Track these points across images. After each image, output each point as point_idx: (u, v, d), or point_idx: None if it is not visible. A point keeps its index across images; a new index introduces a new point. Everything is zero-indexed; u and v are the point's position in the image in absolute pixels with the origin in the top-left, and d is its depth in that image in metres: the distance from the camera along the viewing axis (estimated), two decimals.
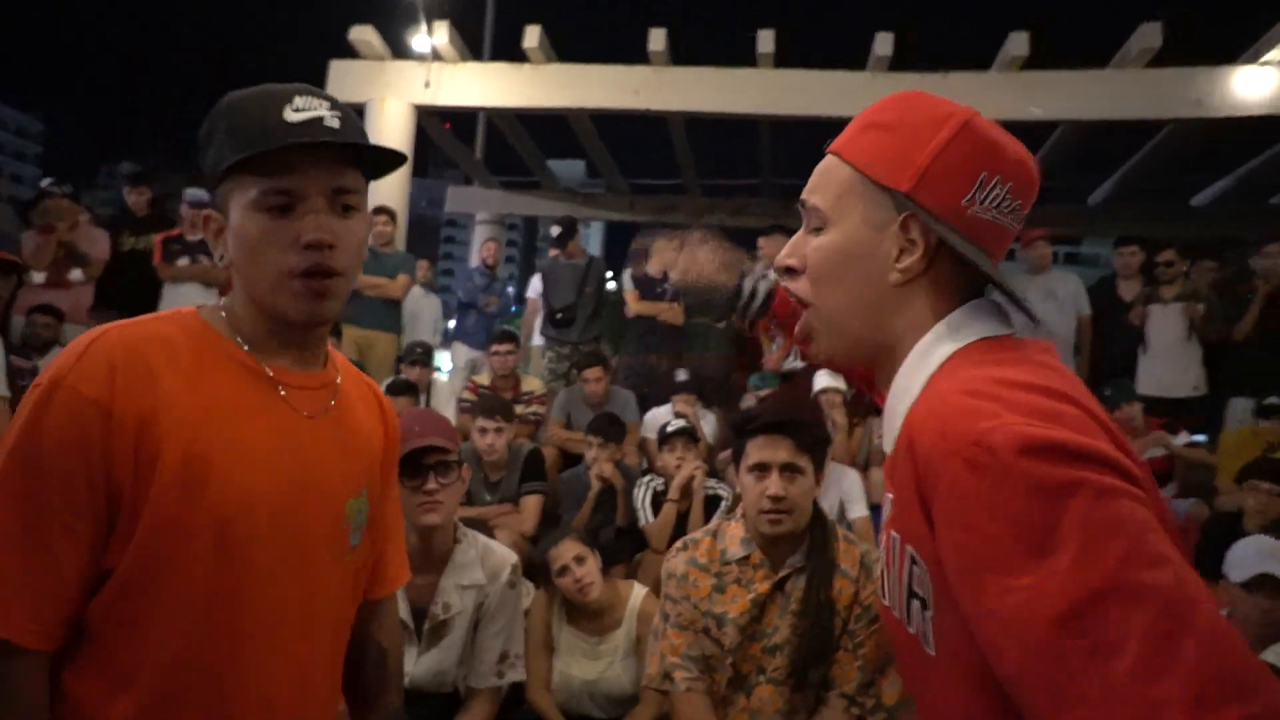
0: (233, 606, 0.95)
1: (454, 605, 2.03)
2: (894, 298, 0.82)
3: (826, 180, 0.85)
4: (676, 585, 2.09)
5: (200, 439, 0.93)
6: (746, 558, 2.03)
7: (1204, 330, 5.03)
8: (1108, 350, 5.44)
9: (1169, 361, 5.09)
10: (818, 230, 0.85)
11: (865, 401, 5.40)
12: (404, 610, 2.00)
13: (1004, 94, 6.21)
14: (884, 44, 6.09)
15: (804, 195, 0.87)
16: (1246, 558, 2.50)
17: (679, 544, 2.19)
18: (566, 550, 2.62)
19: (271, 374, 1.01)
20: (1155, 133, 7.12)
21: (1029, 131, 6.93)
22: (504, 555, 2.15)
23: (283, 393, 1.02)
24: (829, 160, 0.86)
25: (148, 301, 5.65)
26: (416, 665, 1.98)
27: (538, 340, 6.46)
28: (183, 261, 5.83)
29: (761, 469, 1.99)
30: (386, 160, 1.04)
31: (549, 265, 6.30)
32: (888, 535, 0.80)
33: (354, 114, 1.03)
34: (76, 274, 5.55)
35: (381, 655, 1.23)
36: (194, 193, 6.09)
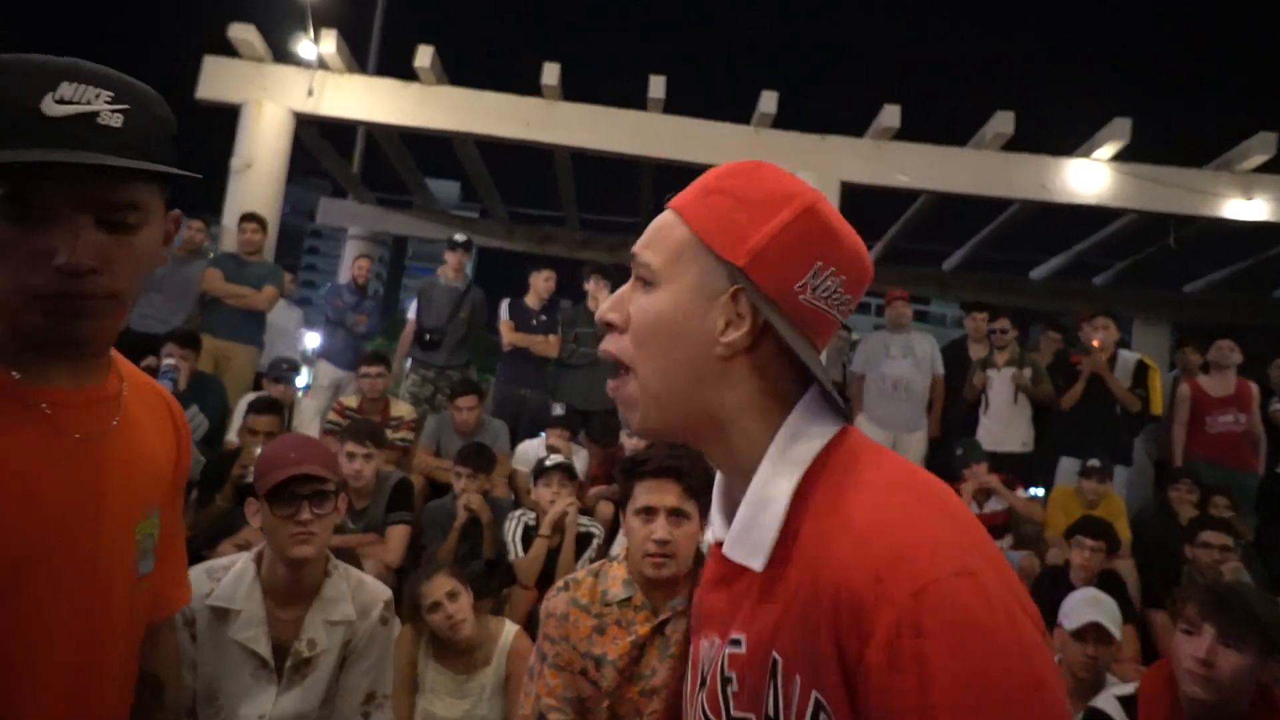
0: (12, 651, 0.84)
1: (320, 642, 1.93)
2: (717, 371, 0.78)
3: (662, 237, 0.81)
4: (556, 625, 2.07)
5: None
6: (628, 599, 2.04)
7: (1031, 393, 5.50)
8: (956, 408, 5.83)
9: (1000, 420, 5.54)
10: (646, 287, 0.81)
11: None
12: (264, 646, 1.89)
13: (874, 160, 6.62)
14: (769, 102, 6.37)
15: (636, 249, 0.82)
16: (1076, 608, 2.72)
17: (560, 583, 2.18)
18: (439, 585, 2.55)
19: (39, 396, 0.88)
20: (1003, 209, 7.73)
21: (894, 197, 7.41)
22: (376, 590, 2.07)
23: (47, 411, 0.89)
24: (668, 216, 0.82)
25: None
26: (275, 706, 1.86)
27: (407, 362, 6.30)
28: None
29: (648, 512, 2.01)
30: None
31: (427, 285, 6.17)
32: (766, 656, 0.73)
33: (149, 103, 0.87)
34: None
35: (157, 689, 1.12)
36: None
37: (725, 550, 0.80)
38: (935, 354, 5.90)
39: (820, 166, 6.46)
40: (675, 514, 1.99)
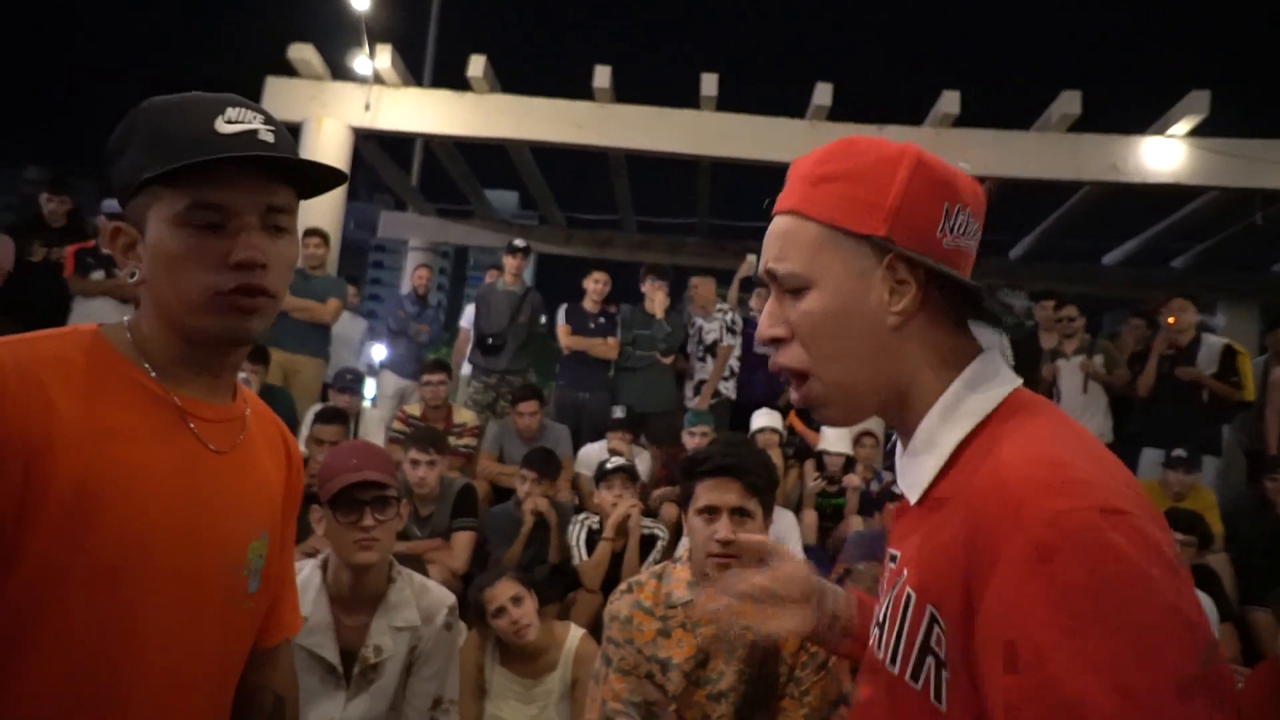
0: (116, 658, 0.86)
1: (386, 648, 1.93)
2: (893, 343, 0.81)
3: (792, 242, 0.83)
4: (620, 628, 2.04)
5: (95, 471, 0.84)
6: (692, 602, 2.00)
7: (1103, 381, 5.28)
8: None
9: (1072, 411, 5.32)
10: (797, 294, 0.83)
11: (799, 444, 5.46)
12: (332, 653, 1.90)
13: (934, 148, 6.38)
14: (823, 94, 6.27)
15: (770, 264, 0.84)
16: None
17: (623, 586, 2.14)
18: (503, 590, 2.53)
19: (179, 402, 0.94)
20: (1072, 193, 7.47)
21: None
22: (440, 596, 2.06)
23: (191, 424, 0.94)
24: (786, 221, 0.84)
25: (56, 314, 5.36)
26: (344, 711, 1.87)
27: (467, 369, 6.35)
28: (97, 275, 5.56)
29: (711, 512, 1.96)
30: (323, 179, 0.98)
31: (485, 291, 6.21)
32: (901, 592, 0.78)
33: (286, 129, 0.99)
34: None
35: (279, 706, 1.16)
36: (111, 203, 5.83)
37: (907, 494, 0.84)
38: (1005, 346, 5.71)
39: None
40: (738, 513, 1.93)
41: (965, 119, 6.40)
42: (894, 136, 6.32)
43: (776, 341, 0.86)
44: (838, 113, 6.36)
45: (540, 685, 2.62)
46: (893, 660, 0.78)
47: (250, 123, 0.92)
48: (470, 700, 2.57)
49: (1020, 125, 6.55)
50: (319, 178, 0.98)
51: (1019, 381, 0.82)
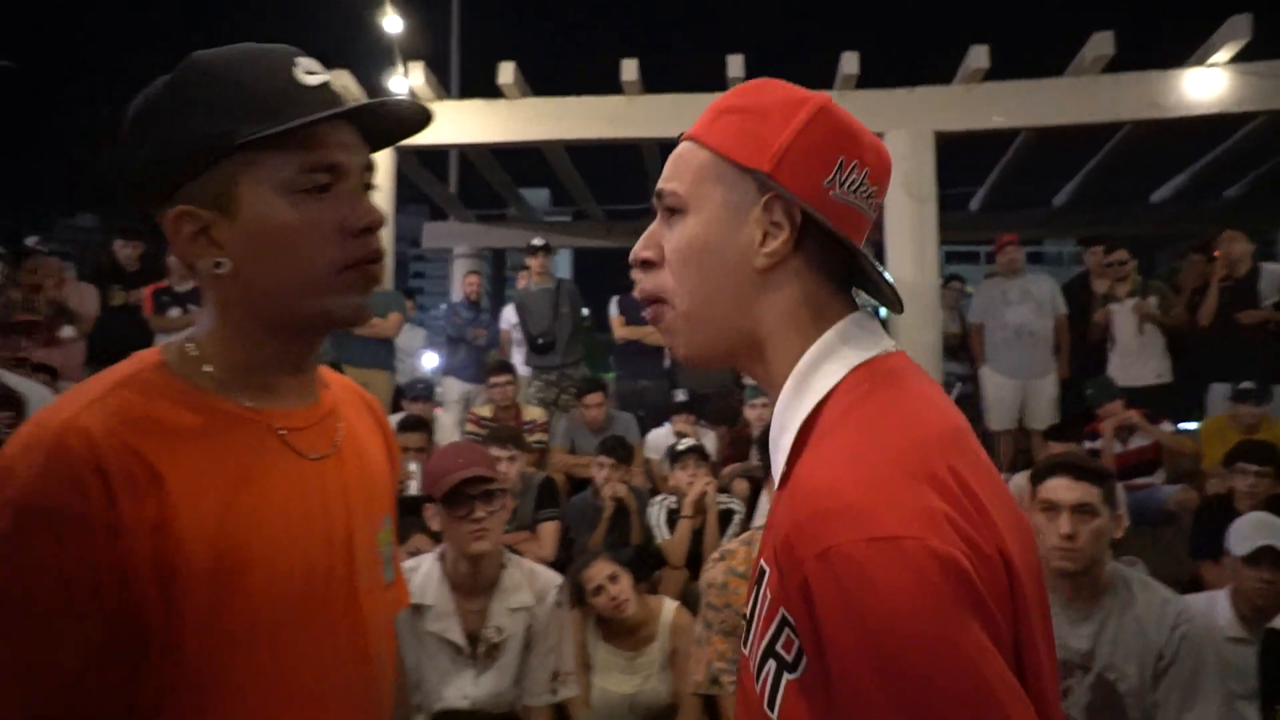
0: (292, 692, 0.83)
1: (506, 628, 2.10)
2: (758, 285, 0.77)
3: (683, 166, 0.80)
4: (717, 594, 2.18)
5: (231, 529, 0.78)
6: None
7: (1160, 321, 5.26)
8: (1084, 347, 5.64)
9: (1129, 354, 5.33)
10: (675, 216, 0.80)
11: None
12: (458, 636, 2.07)
13: (967, 105, 6.43)
14: (850, 63, 6.29)
15: (660, 184, 0.81)
16: (1247, 533, 2.63)
17: (715, 555, 2.29)
18: (599, 570, 2.69)
19: (267, 419, 0.85)
20: (1112, 135, 7.38)
21: (993, 141, 7.19)
22: (549, 577, 2.23)
23: (285, 438, 0.86)
24: (685, 146, 0.81)
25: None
26: (476, 687, 2.04)
27: (523, 370, 6.54)
28: (174, 312, 5.85)
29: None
30: (402, 131, 0.92)
31: (522, 294, 6.37)
32: (765, 590, 0.70)
33: None
34: (68, 331, 5.55)
35: (399, 683, 1.16)
36: None
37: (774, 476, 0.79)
38: (1056, 295, 5.71)
39: (911, 120, 6.33)
40: None
41: (996, 72, 6.37)
42: (925, 97, 6.38)
43: (647, 264, 0.82)
44: (866, 80, 6.38)
45: (642, 656, 2.78)
46: (752, 658, 0.71)
47: (323, 73, 0.84)
48: (578, 675, 2.74)
49: (1053, 72, 6.49)
50: (390, 131, 0.91)
51: (881, 347, 0.77)
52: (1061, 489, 2.01)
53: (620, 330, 6.04)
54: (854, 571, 0.59)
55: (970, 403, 6.39)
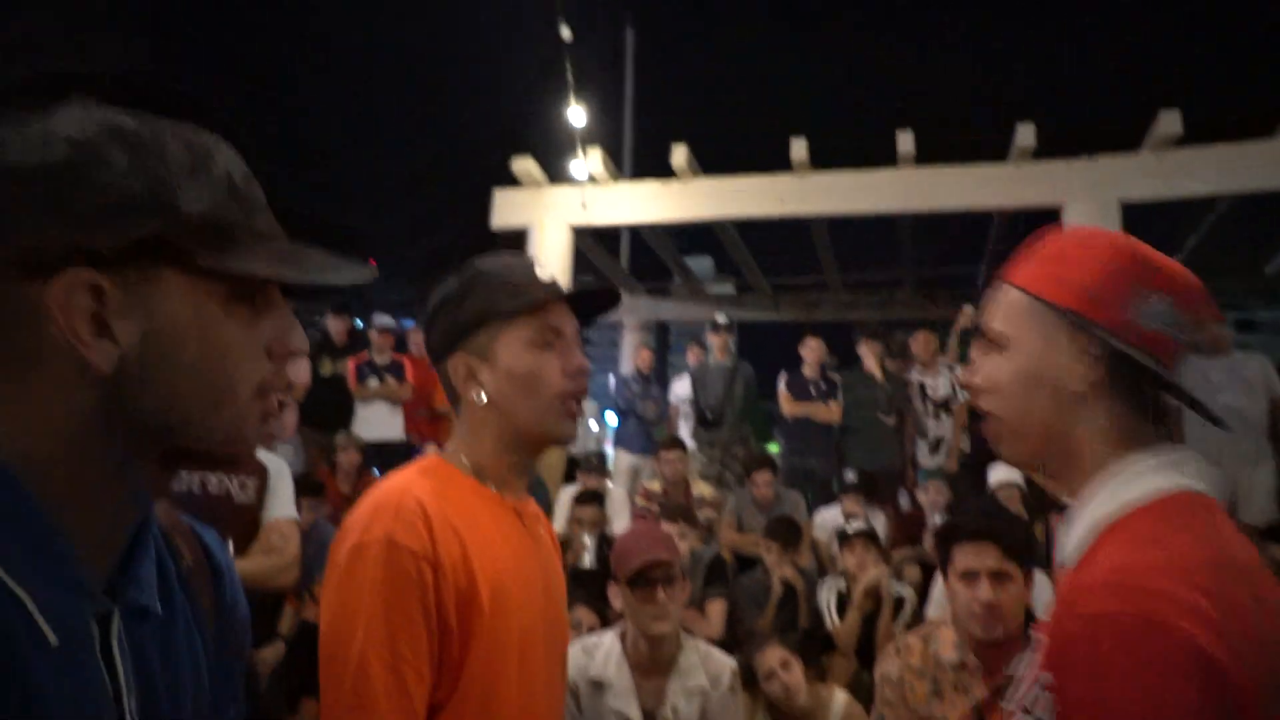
0: (529, 700, 1.11)
1: (681, 709, 2.17)
2: (1072, 408, 0.90)
3: (1002, 306, 0.97)
4: (892, 689, 2.16)
5: (500, 576, 1.08)
6: (963, 663, 2.09)
7: None
8: None
9: None
10: (996, 348, 0.96)
11: (1042, 498, 5.26)
12: (635, 713, 2.16)
13: (1157, 173, 6.11)
14: (1026, 135, 6.13)
15: (983, 322, 0.99)
16: None
17: (890, 648, 2.27)
18: (772, 656, 2.72)
19: (514, 505, 1.19)
20: None
21: (1188, 208, 6.76)
22: (723, 660, 2.29)
23: (520, 514, 1.20)
24: (1006, 289, 0.97)
25: (343, 419, 6.24)
26: None
27: (689, 443, 6.66)
28: (373, 382, 6.42)
29: (971, 576, 2.04)
30: (596, 308, 1.29)
31: (698, 368, 6.54)
32: (1035, 656, 0.85)
33: None
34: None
35: None
36: (382, 319, 6.74)
37: (1065, 554, 0.91)
38: (1270, 374, 5.25)
39: (1094, 191, 6.08)
40: (997, 576, 2.01)
41: (1190, 136, 6.03)
42: (1108, 166, 6.13)
43: (976, 388, 0.99)
44: (1043, 150, 6.21)
45: None
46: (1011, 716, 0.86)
47: (548, 274, 1.21)
48: None
49: (1260, 134, 6.07)
50: (597, 306, 1.28)
51: (1191, 484, 0.84)
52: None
53: (789, 407, 6.07)
54: (1118, 639, 0.70)
55: None
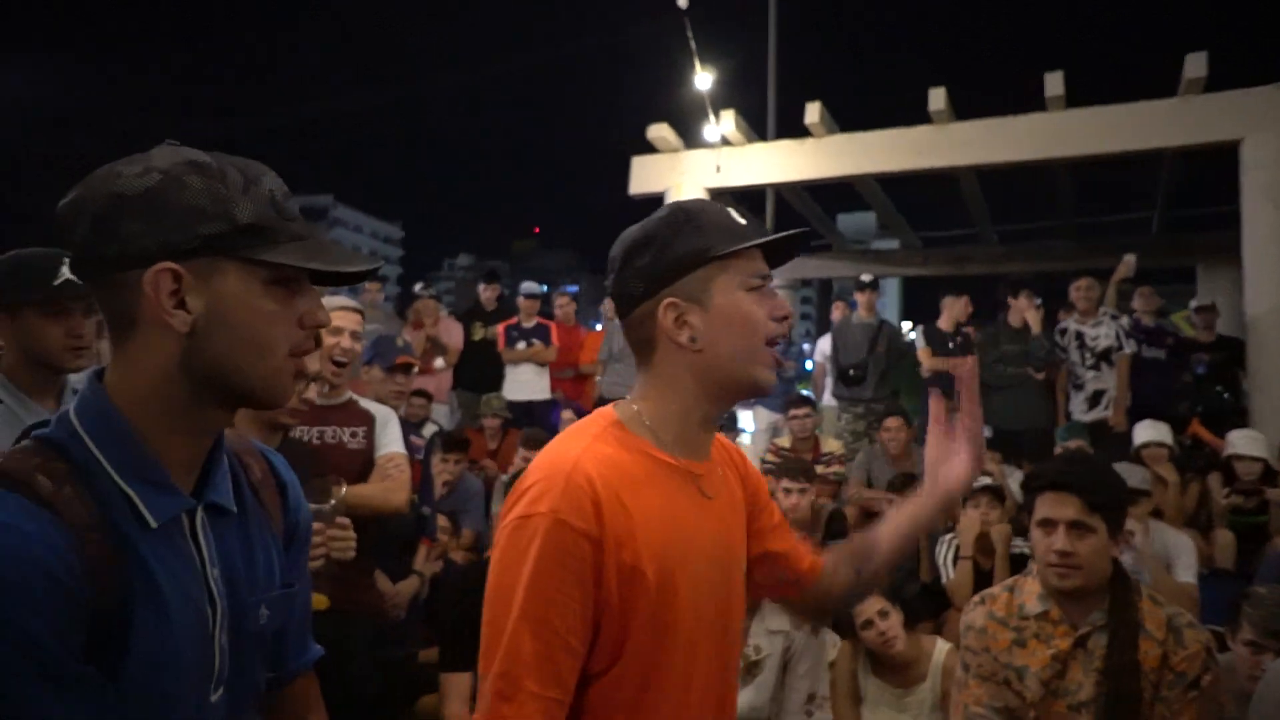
0: (690, 690, 1.09)
1: (764, 648, 2.29)
2: None
3: None
4: (975, 637, 2.18)
5: (667, 550, 1.05)
6: (1045, 613, 2.07)
7: None
8: None
9: None
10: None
11: (1207, 455, 4.91)
12: None
13: None
14: (1196, 65, 5.61)
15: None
16: None
17: (976, 598, 2.27)
18: (870, 604, 2.77)
19: (690, 468, 1.12)
20: None
21: None
22: None
23: (698, 484, 1.13)
24: None
25: (494, 382, 6.67)
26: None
27: (828, 401, 6.63)
28: (520, 346, 6.80)
29: (1048, 524, 2.03)
30: (785, 253, 1.21)
31: (840, 326, 6.49)
32: None
33: None
34: (439, 362, 6.69)
35: None
36: (529, 286, 7.11)
37: None
38: None
39: (1275, 121, 5.50)
40: (1076, 526, 1.99)
41: None
42: None
43: None
44: (1216, 82, 5.66)
45: (911, 695, 2.80)
46: None
47: (746, 218, 1.17)
48: (847, 705, 2.83)
49: None
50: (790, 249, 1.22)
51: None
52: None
53: (927, 362, 5.94)
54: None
55: None
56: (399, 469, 2.68)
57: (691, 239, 1.11)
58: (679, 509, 1.09)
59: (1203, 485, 4.50)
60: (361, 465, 2.66)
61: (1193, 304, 6.33)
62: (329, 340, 2.65)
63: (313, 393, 2.63)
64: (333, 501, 2.05)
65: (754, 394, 1.15)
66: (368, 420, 2.72)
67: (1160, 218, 8.39)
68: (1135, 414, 5.13)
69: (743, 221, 1.15)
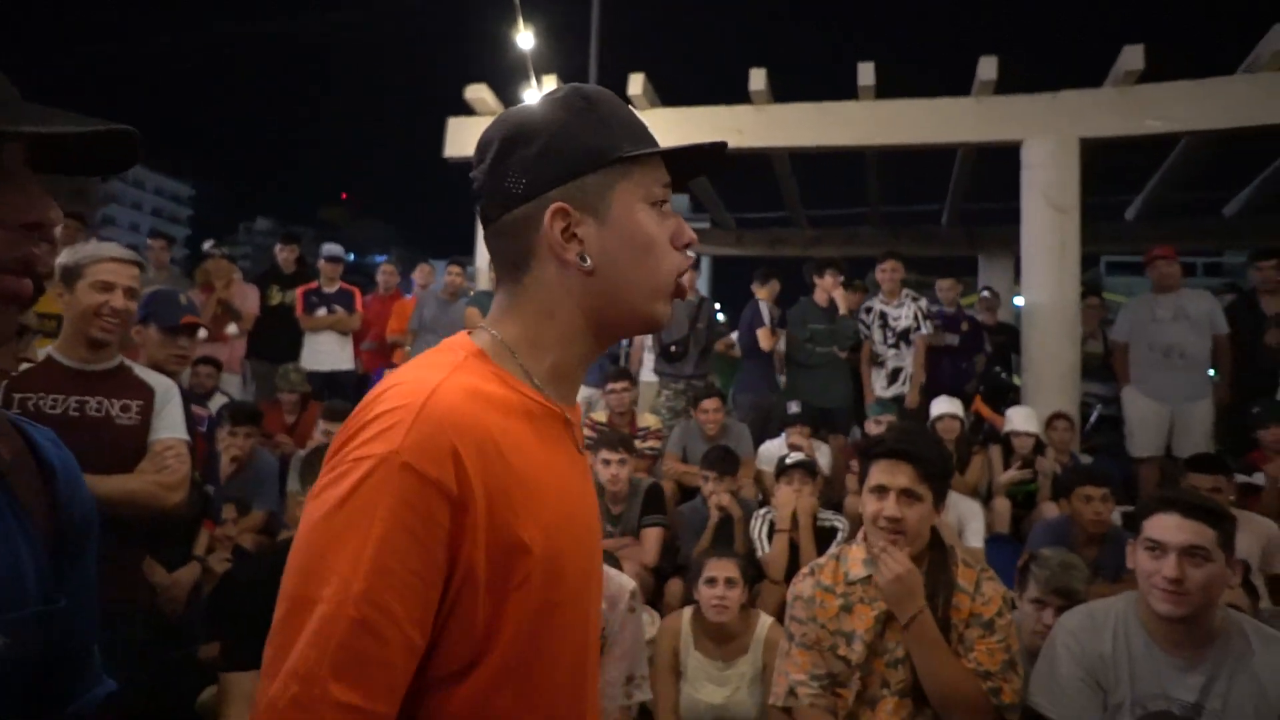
0: (573, 654, 0.88)
1: None
2: None
3: None
4: (803, 607, 2.17)
5: (549, 507, 0.83)
6: (869, 577, 2.10)
7: None
8: (1253, 366, 5.20)
9: None
10: None
11: (986, 429, 5.31)
12: None
13: (1119, 110, 6.04)
14: (988, 68, 6.02)
15: None
16: None
17: (805, 569, 2.28)
18: (724, 567, 2.74)
19: (565, 413, 0.91)
20: None
21: (1148, 146, 6.71)
22: (622, 582, 2.28)
23: (571, 428, 0.92)
24: None
25: (292, 351, 6.13)
26: None
27: (647, 376, 6.63)
28: (320, 312, 6.30)
29: (881, 491, 2.07)
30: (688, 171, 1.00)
31: None
32: None
33: None
34: (232, 328, 6.08)
35: None
36: (331, 248, 6.59)
37: None
38: (1215, 313, 5.29)
39: (1055, 126, 6.01)
40: (906, 494, 2.04)
41: (1152, 74, 5.96)
42: (1070, 102, 6.06)
43: None
44: (1005, 86, 6.11)
45: (732, 668, 2.78)
46: None
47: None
48: (668, 681, 2.77)
49: (1222, 71, 6.01)
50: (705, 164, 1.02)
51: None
52: (1170, 528, 1.89)
53: (765, 341, 6.03)
54: None
55: (1111, 426, 6.01)
56: (178, 459, 2.30)
57: (594, 133, 0.89)
58: (557, 459, 0.87)
59: (985, 457, 4.85)
60: (133, 447, 2.26)
61: (983, 292, 6.84)
62: (96, 297, 2.23)
63: (69, 358, 2.21)
64: None
65: (646, 330, 0.95)
66: (144, 393, 2.32)
67: (950, 210, 9.03)
68: (931, 392, 5.47)
69: (644, 122, 0.95)
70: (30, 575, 0.74)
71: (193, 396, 5.08)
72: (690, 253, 0.95)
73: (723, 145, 0.95)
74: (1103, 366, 6.17)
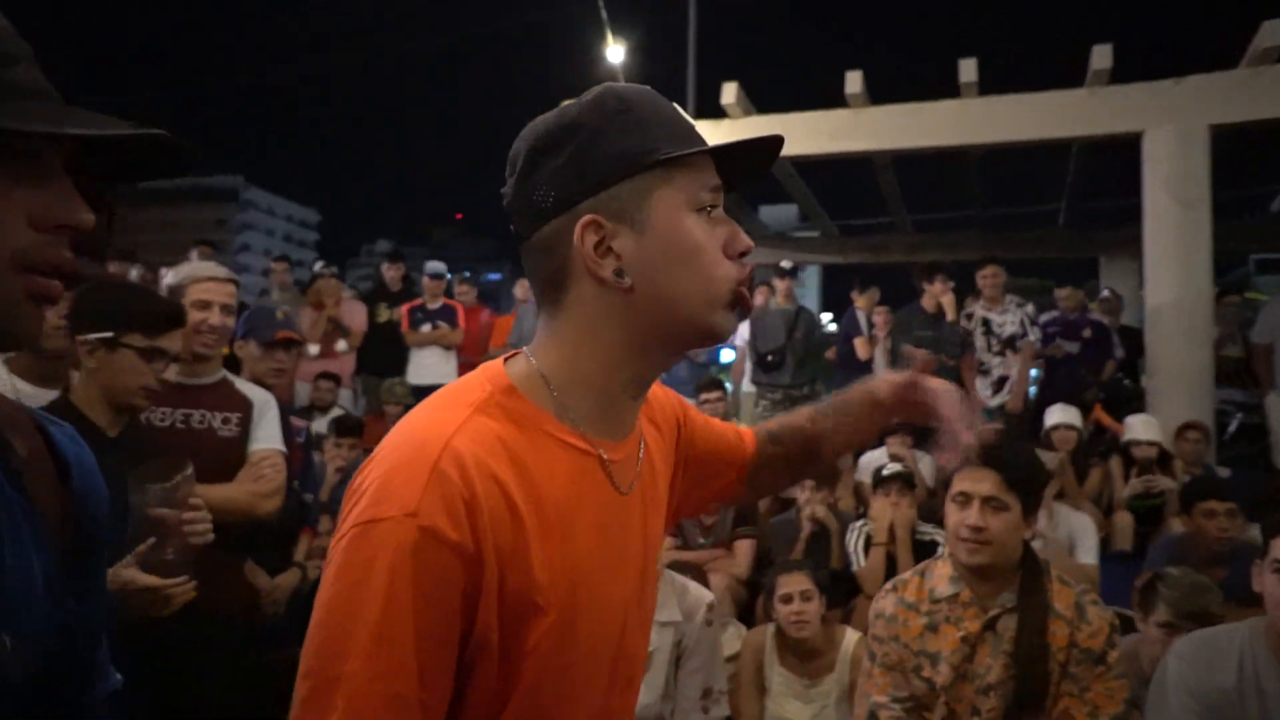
0: (595, 713, 0.85)
1: (652, 642, 2.12)
2: None
3: None
4: (885, 625, 2.07)
5: (570, 571, 0.79)
6: (955, 595, 1.98)
7: None
8: None
9: None
10: None
11: (1103, 441, 4.99)
12: None
13: (1255, 93, 5.58)
14: (1102, 57, 5.69)
15: None
16: None
17: (888, 585, 2.17)
18: (796, 581, 2.66)
19: (601, 453, 0.84)
20: None
21: None
22: (699, 594, 2.23)
23: (609, 468, 0.85)
24: None
25: (398, 366, 6.36)
26: None
27: (747, 387, 6.56)
28: (425, 328, 6.51)
29: (964, 499, 1.96)
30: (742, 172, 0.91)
31: (758, 312, 6.41)
32: None
33: None
34: (341, 344, 6.34)
35: None
36: (434, 265, 6.81)
37: None
38: None
39: (1179, 115, 5.60)
40: (991, 502, 1.91)
41: None
42: (1199, 87, 5.62)
43: None
44: (1122, 75, 5.75)
45: (818, 686, 2.68)
46: None
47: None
48: (752, 696, 2.69)
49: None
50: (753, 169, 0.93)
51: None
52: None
53: (863, 350, 5.90)
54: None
55: (1254, 436, 5.54)
56: (275, 470, 2.38)
57: (628, 135, 0.80)
58: (585, 506, 0.82)
59: (1104, 469, 4.55)
60: (233, 458, 2.35)
61: (1103, 293, 6.47)
62: (196, 315, 2.35)
63: (172, 373, 2.34)
64: (176, 479, 1.78)
65: (706, 344, 0.86)
66: (243, 405, 2.42)
67: (1067, 210, 8.57)
68: (1048, 400, 5.19)
69: (691, 121, 0.86)
70: (39, 577, 0.73)
71: (310, 410, 5.39)
72: (747, 260, 0.86)
73: (777, 140, 0.86)
74: (1243, 371, 5.71)
